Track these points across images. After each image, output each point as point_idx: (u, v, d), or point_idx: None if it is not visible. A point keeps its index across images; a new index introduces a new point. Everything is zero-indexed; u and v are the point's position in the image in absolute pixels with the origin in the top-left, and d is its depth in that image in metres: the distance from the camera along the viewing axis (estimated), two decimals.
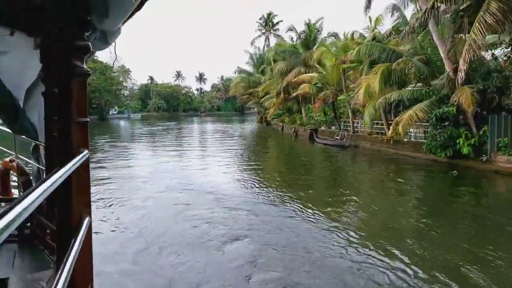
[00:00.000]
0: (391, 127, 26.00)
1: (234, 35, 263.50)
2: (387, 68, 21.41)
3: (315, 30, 39.46)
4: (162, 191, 15.15)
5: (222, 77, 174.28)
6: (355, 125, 32.49)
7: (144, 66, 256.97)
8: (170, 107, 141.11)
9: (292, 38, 43.69)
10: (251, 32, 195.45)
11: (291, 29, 41.30)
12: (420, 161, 21.86)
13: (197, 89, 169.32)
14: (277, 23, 66.59)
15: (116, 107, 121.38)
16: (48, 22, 1.97)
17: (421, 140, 22.34)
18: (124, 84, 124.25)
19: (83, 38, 1.85)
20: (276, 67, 42.96)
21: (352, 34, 27.86)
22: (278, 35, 66.18)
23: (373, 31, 26.69)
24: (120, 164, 22.58)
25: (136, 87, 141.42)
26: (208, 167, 21.83)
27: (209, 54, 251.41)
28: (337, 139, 31.74)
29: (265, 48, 68.48)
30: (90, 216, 1.98)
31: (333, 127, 36.31)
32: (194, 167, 21.44)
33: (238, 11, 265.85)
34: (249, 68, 68.96)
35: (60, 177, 1.24)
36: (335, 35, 39.54)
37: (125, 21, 2.06)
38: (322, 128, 37.88)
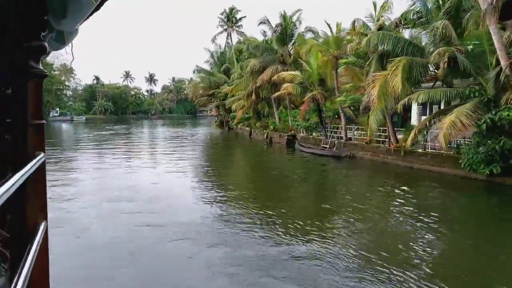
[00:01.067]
0: (399, 135, 21.97)
1: (190, 33, 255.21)
2: (408, 62, 17.14)
3: (292, 24, 35.02)
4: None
5: (173, 78, 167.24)
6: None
7: (90, 65, 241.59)
8: (118, 109, 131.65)
9: (265, 32, 39.04)
10: (210, 29, 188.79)
11: (263, 22, 36.62)
12: (447, 178, 17.74)
13: (147, 91, 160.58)
14: (240, 19, 61.66)
15: (58, 109, 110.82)
16: (2, 21, 1.77)
17: (444, 152, 18.18)
18: (67, 83, 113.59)
19: (39, 38, 1.80)
20: (247, 65, 37.97)
21: (354, 23, 23.42)
22: (242, 32, 61.27)
23: (378, 19, 22.52)
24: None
25: (80, 88, 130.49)
26: (162, 189, 16.47)
27: (160, 53, 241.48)
28: (325, 147, 27.30)
29: (228, 45, 63.16)
30: (47, 221, 1.97)
31: (314, 134, 31.89)
32: (146, 189, 16.13)
33: (195, 6, 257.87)
34: (209, 68, 63.38)
35: (16, 181, 1.23)
36: (314, 30, 35.35)
37: (82, 22, 1.92)
38: (301, 134, 33.35)
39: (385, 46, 18.63)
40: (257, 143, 38.78)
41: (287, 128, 36.62)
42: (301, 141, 30.71)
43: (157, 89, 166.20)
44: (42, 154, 1.89)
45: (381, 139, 23.43)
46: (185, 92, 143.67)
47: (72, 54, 2.60)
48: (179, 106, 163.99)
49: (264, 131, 40.08)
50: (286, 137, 34.16)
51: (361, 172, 20.99)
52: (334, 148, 26.75)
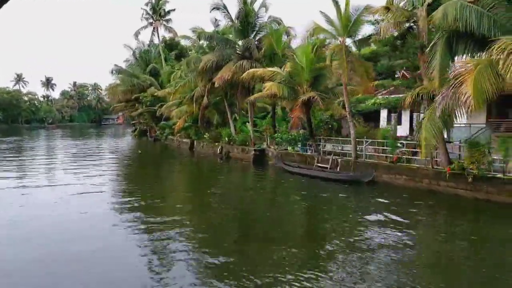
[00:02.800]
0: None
1: (99, 28, 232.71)
2: None
3: (254, 11, 28.02)
4: None
5: (75, 83, 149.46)
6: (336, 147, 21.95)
7: None
8: (7, 117, 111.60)
9: (217, 21, 31.25)
10: (128, 23, 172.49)
11: (217, 7, 28.96)
12: None
13: (43, 96, 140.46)
14: (169, 12, 52.76)
15: None
16: None
17: None
18: None
19: None
20: (194, 61, 29.83)
21: None
22: (171, 28, 52.48)
23: None
24: None
25: None
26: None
27: (59, 54, 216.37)
28: (322, 167, 20.57)
29: (153, 44, 53.69)
30: None
31: (289, 148, 25.05)
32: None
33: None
34: (129, 68, 53.26)
35: None
36: (279, 21, 28.73)
37: None
38: (272, 148, 26.27)
39: (467, 22, 12.50)
40: (205, 160, 30.71)
41: (247, 140, 29.27)
42: (282, 158, 23.57)
43: (56, 94, 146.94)
44: None
45: (413, 158, 17.39)
46: (100, 96, 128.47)
47: None
48: (81, 114, 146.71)
49: (216, 143, 32.18)
50: (253, 152, 26.78)
51: (431, 212, 14.26)
52: (337, 168, 20.13)
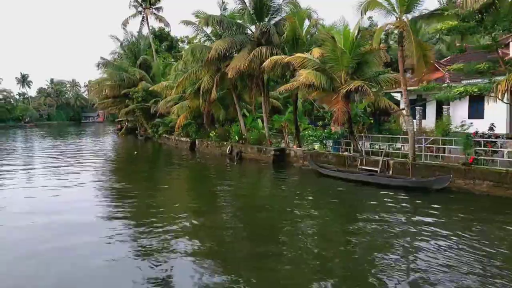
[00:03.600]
0: None
1: (73, 24, 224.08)
2: None
3: None
4: None
5: (52, 80, 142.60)
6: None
7: None
8: None
9: (224, 4, 27.53)
10: (109, 13, 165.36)
11: None
12: None
13: (19, 94, 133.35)
14: None
15: None
16: None
17: None
18: None
19: None
20: (200, 50, 25.99)
21: None
22: (162, 17, 48.20)
23: None
24: None
25: None
26: None
27: (35, 48, 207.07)
28: (367, 170, 17.26)
29: (141, 35, 49.22)
30: None
31: (316, 146, 21.69)
32: None
33: None
34: (114, 61, 48.83)
35: None
36: (295, 2, 25.17)
37: None
38: (296, 148, 22.85)
39: None
40: (213, 161, 26.96)
41: (261, 139, 25.74)
42: (314, 159, 20.10)
43: (32, 92, 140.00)
44: None
45: (494, 159, 14.22)
46: (79, 93, 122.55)
47: None
48: (59, 112, 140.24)
49: (225, 143, 28.49)
50: (272, 152, 23.26)
51: None
52: (389, 171, 16.83)
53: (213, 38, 27.99)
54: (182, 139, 36.70)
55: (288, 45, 22.43)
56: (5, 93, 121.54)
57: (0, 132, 79.24)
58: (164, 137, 42.45)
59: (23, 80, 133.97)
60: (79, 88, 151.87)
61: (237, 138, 27.65)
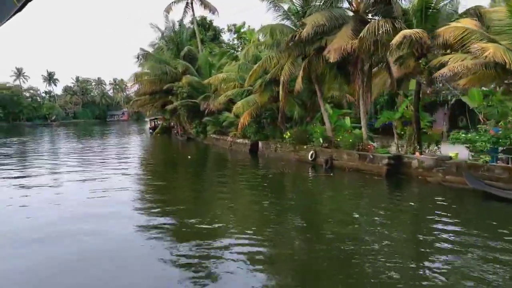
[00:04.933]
0: None
1: (97, 24, 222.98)
2: None
3: None
4: None
5: (77, 78, 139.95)
6: None
7: None
8: (8, 115, 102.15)
9: None
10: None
11: None
12: None
13: (45, 92, 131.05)
14: None
15: None
16: None
17: None
18: None
19: None
20: (281, 30, 20.63)
21: None
22: (208, 2, 42.94)
23: None
24: None
25: None
26: None
27: (61, 47, 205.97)
28: None
29: (182, 23, 44.08)
30: None
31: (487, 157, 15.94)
32: None
33: None
34: (154, 53, 43.88)
35: None
36: None
37: (4, 23, 1.77)
38: (418, 155, 17.17)
39: None
40: (289, 169, 21.46)
41: (356, 142, 20.11)
42: (473, 173, 14.26)
43: (58, 90, 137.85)
44: None
45: None
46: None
47: None
48: (85, 110, 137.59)
49: (304, 146, 22.94)
50: (386, 161, 17.57)
51: None
52: None
53: (292, 17, 22.53)
54: (238, 140, 31.35)
55: (416, 17, 16.69)
56: (31, 91, 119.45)
57: (29, 131, 75.83)
58: (212, 137, 37.28)
59: (50, 78, 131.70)
60: (104, 86, 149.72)
61: (321, 141, 22.10)
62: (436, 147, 18.49)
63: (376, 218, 11.64)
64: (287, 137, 23.98)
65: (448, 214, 11.76)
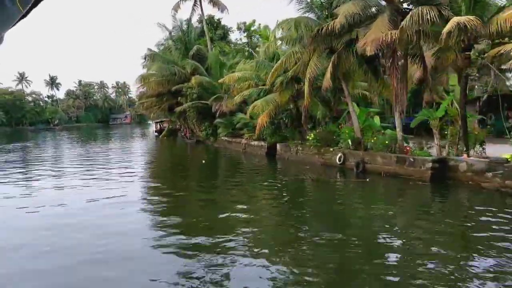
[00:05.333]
0: None
1: (99, 27, 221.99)
2: None
3: None
4: None
5: (80, 82, 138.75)
6: None
7: None
8: (11, 119, 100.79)
9: None
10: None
11: None
12: None
13: (48, 96, 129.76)
14: None
15: None
16: None
17: None
18: None
19: None
20: (304, 23, 18.96)
21: None
22: (217, 0, 41.24)
23: None
24: None
25: None
26: None
27: (62, 51, 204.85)
28: None
29: (190, 21, 42.40)
30: None
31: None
32: None
33: None
34: (161, 52, 42.24)
35: None
36: None
37: (9, 29, 1.58)
38: (465, 156, 15.45)
39: None
40: (314, 173, 19.68)
41: (390, 144, 18.35)
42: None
43: (60, 94, 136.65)
44: None
45: None
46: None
47: None
48: (88, 114, 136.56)
49: (331, 149, 21.19)
50: (430, 165, 15.77)
51: None
52: None
53: (316, 10, 20.82)
54: (253, 143, 29.65)
55: (465, 3, 14.92)
56: (34, 96, 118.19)
57: (31, 135, 74.33)
58: (223, 140, 35.60)
59: (52, 82, 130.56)
60: (107, 89, 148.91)
61: (350, 143, 20.35)
62: (481, 148, 16.75)
63: (434, 235, 9.86)
64: (310, 138, 22.23)
65: None
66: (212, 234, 10.07)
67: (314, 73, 19.29)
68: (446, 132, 17.06)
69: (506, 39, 13.95)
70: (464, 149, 16.02)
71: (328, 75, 18.54)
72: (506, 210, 11.74)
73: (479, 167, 14.72)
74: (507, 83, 22.71)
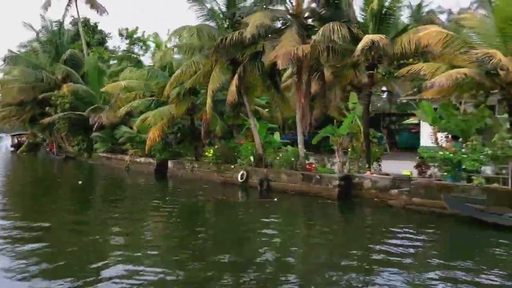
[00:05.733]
0: None
1: None
2: None
3: None
4: None
5: None
6: None
7: None
8: None
9: None
10: None
11: None
12: None
13: None
14: None
15: None
16: None
17: None
18: None
19: None
20: (207, 32, 17.59)
21: None
22: (95, 1, 36.92)
23: None
24: None
25: None
26: None
27: None
28: None
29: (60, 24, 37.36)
30: None
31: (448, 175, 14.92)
32: None
33: None
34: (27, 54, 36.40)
35: None
36: None
37: None
38: (371, 175, 15.78)
39: None
40: (218, 194, 18.28)
41: (292, 160, 18.03)
42: (446, 195, 12.86)
43: None
44: None
45: None
46: None
47: None
48: None
49: (232, 166, 19.96)
50: (337, 183, 15.63)
51: None
52: None
53: (217, 19, 19.67)
54: (139, 159, 26.94)
55: (373, 21, 15.24)
56: None
57: None
58: (101, 156, 31.82)
59: None
60: None
61: (252, 159, 19.46)
62: (377, 165, 17.39)
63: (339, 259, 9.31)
64: (210, 154, 20.72)
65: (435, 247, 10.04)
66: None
67: (217, 85, 17.97)
68: (349, 149, 17.29)
69: (411, 59, 14.63)
70: (367, 165, 16.33)
71: (233, 88, 17.41)
72: (411, 226, 11.91)
73: (382, 184, 15.00)
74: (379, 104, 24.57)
